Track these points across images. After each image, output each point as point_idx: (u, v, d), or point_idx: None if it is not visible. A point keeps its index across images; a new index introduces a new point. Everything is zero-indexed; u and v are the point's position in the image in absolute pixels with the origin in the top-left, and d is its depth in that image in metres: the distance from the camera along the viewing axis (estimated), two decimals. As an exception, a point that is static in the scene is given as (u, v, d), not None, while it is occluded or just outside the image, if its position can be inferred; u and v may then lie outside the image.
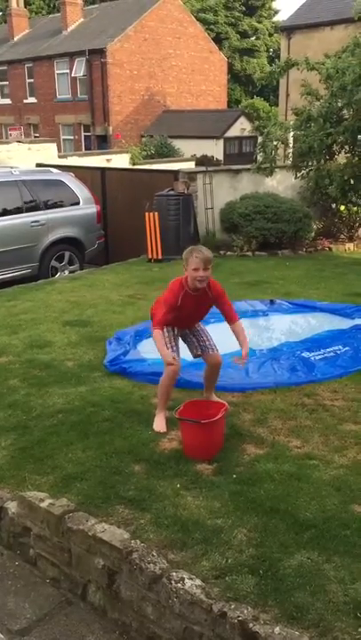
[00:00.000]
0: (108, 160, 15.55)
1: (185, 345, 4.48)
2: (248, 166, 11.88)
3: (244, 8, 41.08)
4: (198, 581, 2.73)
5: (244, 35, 41.39)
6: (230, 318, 4.26)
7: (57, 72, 28.89)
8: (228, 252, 10.72)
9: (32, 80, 30.26)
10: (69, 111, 28.43)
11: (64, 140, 28.50)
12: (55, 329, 6.59)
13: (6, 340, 6.27)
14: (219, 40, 37.64)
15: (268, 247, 10.84)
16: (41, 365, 5.56)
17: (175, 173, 11.29)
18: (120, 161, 15.86)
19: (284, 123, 11.78)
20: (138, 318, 6.86)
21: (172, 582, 2.72)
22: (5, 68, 31.52)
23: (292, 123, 11.28)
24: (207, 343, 4.39)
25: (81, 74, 27.52)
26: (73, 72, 27.86)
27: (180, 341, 4.42)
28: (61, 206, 9.88)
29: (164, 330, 4.19)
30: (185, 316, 4.24)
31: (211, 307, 4.30)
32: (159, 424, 4.27)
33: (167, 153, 21.56)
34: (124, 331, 6.35)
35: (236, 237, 10.91)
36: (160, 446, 4.06)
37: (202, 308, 4.28)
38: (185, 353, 4.51)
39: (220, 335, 4.53)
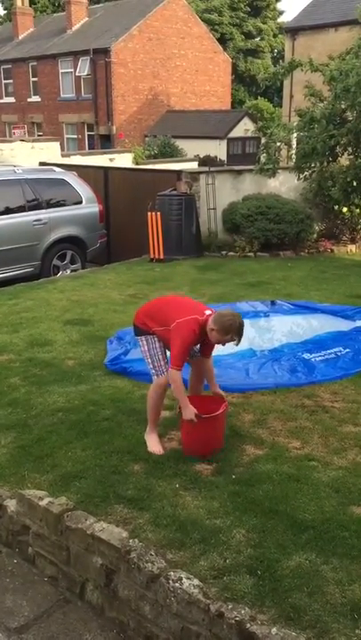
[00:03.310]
0: (111, 159, 15.53)
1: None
2: (251, 167, 11.87)
3: (248, 9, 41.07)
4: (196, 581, 2.73)
5: (248, 35, 41.39)
6: (208, 353, 4.17)
7: (61, 71, 28.91)
8: (230, 253, 10.71)
9: (36, 79, 30.30)
10: (73, 110, 28.46)
11: (67, 138, 28.53)
12: (56, 328, 6.60)
13: (7, 339, 6.28)
14: (223, 40, 37.65)
15: (270, 248, 10.83)
16: (41, 364, 5.57)
17: (178, 173, 11.29)
18: (123, 160, 15.84)
19: (287, 124, 11.78)
20: (139, 318, 6.86)
21: (170, 582, 2.73)
22: (10, 66, 31.56)
23: (295, 124, 11.27)
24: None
25: (85, 73, 27.53)
26: (77, 71, 27.88)
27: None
28: (64, 205, 9.88)
29: (155, 340, 4.04)
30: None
31: (208, 349, 4.16)
32: (154, 444, 4.05)
33: (170, 153, 21.54)
34: (125, 330, 6.34)
35: (238, 238, 10.91)
36: (160, 446, 4.06)
37: (204, 347, 4.13)
38: None
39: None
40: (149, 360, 4.07)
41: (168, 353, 4.03)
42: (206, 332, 3.87)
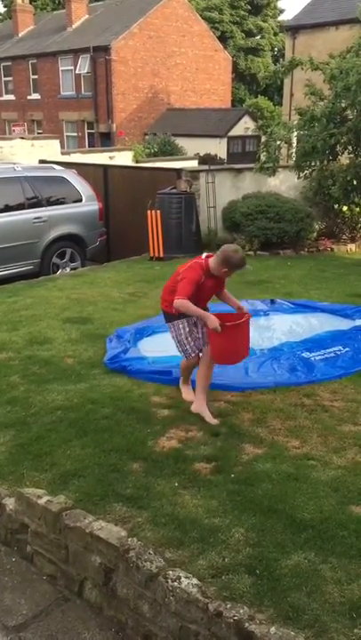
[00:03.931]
0: (111, 157, 15.54)
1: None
2: (251, 165, 11.86)
3: (249, 7, 41.04)
4: (195, 580, 2.73)
5: (248, 34, 41.35)
6: (223, 286, 4.65)
7: (61, 69, 28.87)
8: (230, 252, 10.70)
9: (36, 76, 30.26)
10: (73, 108, 28.42)
11: (67, 136, 28.50)
12: (55, 326, 6.59)
13: (6, 337, 6.27)
14: (223, 39, 37.59)
15: (269, 247, 10.83)
16: (41, 362, 5.56)
17: (178, 172, 11.28)
18: (123, 159, 15.83)
19: (287, 123, 11.76)
20: (138, 316, 6.86)
21: (169, 581, 2.72)
22: (9, 63, 31.51)
23: (295, 122, 11.25)
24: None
25: (85, 71, 27.50)
26: (77, 69, 27.84)
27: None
28: (63, 203, 9.88)
29: (185, 322, 4.40)
30: (203, 292, 4.44)
31: (221, 283, 4.60)
32: (188, 393, 4.66)
33: (170, 151, 21.49)
34: (125, 328, 6.34)
35: (238, 237, 10.90)
36: (159, 444, 4.06)
37: (216, 285, 4.54)
38: None
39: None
40: (177, 345, 4.51)
41: (194, 332, 4.45)
42: (211, 274, 4.33)
